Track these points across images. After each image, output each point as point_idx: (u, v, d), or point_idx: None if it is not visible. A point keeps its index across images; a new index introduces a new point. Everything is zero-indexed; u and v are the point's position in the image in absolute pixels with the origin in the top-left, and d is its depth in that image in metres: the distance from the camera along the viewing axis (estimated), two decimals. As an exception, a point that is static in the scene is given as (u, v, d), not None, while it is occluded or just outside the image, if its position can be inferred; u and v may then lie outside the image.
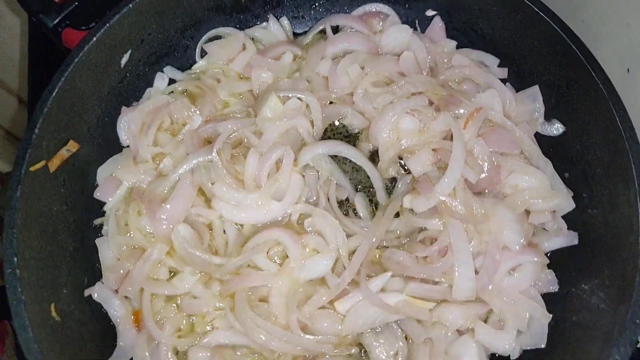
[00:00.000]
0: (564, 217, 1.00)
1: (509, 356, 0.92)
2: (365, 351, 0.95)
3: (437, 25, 1.15)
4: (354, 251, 0.98)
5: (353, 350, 0.94)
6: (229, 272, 0.97)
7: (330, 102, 1.12)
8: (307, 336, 0.92)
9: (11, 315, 1.13)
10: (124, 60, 1.06)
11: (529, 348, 0.92)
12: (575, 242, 0.97)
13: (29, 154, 0.89)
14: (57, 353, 0.82)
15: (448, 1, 1.13)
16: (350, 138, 1.13)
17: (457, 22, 1.14)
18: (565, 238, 0.98)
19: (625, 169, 0.86)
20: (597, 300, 0.87)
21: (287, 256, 0.97)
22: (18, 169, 0.88)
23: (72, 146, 0.99)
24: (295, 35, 1.23)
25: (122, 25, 1.01)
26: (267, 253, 0.99)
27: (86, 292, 0.96)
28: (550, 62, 1.02)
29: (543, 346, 0.91)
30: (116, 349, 0.94)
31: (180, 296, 0.99)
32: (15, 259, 0.82)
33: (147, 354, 0.94)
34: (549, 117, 1.05)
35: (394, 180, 1.05)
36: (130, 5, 1.01)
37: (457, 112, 1.02)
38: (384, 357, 0.94)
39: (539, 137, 1.06)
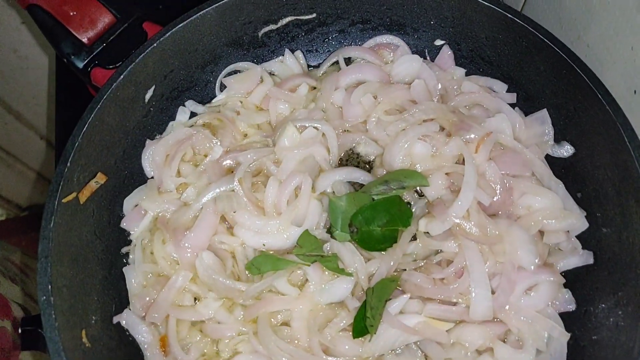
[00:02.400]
0: (578, 236, 1.02)
1: (529, 375, 0.93)
2: (386, 373, 0.96)
3: (446, 54, 1.20)
4: (373, 275, 1.00)
5: (374, 372, 0.96)
6: (251, 297, 1.00)
7: (345, 131, 1.16)
8: (330, 358, 0.93)
9: (34, 345, 1.17)
10: (148, 96, 1.12)
11: (549, 367, 0.93)
12: (591, 261, 0.98)
13: (61, 186, 0.94)
14: (89, 378, 0.85)
15: (455, 31, 1.17)
16: (365, 165, 1.17)
17: (465, 50, 1.19)
18: (580, 257, 0.99)
19: (636, 187, 0.88)
20: (616, 318, 0.88)
21: (308, 280, 1.00)
22: (51, 201, 0.93)
23: (100, 178, 1.04)
24: (310, 67, 1.29)
25: (146, 63, 1.07)
26: (288, 278, 1.02)
27: (115, 319, 0.99)
28: (557, 86, 1.05)
29: (563, 365, 0.92)
30: (144, 373, 0.97)
31: (205, 321, 1.01)
32: (50, 286, 0.86)
33: (173, 378, 0.97)
34: (558, 139, 1.08)
35: (408, 204, 1.07)
36: (154, 44, 1.07)
37: (468, 136, 1.06)
38: (404, 378, 0.95)
39: (550, 159, 1.08)
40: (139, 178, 1.14)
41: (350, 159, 1.17)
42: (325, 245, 1.03)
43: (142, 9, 1.14)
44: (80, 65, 1.10)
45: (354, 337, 0.93)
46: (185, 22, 1.09)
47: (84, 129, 0.99)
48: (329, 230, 1.05)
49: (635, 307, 0.83)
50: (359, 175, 1.10)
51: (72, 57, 1.09)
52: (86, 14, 1.10)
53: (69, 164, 0.95)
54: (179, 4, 1.21)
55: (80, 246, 0.97)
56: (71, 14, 1.09)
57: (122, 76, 1.04)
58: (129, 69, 1.05)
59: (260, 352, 0.96)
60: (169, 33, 1.08)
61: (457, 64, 1.20)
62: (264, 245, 1.04)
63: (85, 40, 1.10)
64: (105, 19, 1.11)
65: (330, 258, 1.00)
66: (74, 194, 0.97)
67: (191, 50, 1.14)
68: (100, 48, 1.10)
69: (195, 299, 1.04)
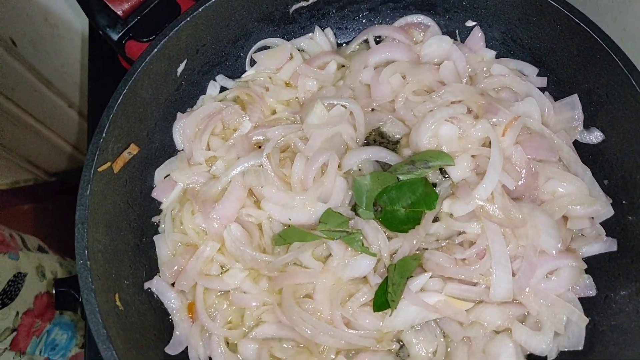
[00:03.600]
0: (603, 223, 1.02)
1: (546, 357, 0.95)
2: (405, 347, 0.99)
3: (477, 36, 1.19)
4: (395, 252, 1.02)
5: (394, 346, 0.99)
6: (276, 269, 1.03)
7: (373, 109, 1.17)
8: (351, 331, 0.97)
9: (68, 305, 1.22)
10: (180, 70, 1.14)
11: (566, 350, 0.95)
12: (614, 248, 0.99)
13: (97, 156, 0.97)
14: (122, 339, 0.89)
15: (488, 12, 1.16)
16: (390, 144, 1.18)
17: (497, 32, 1.18)
18: (604, 244, 1.00)
19: (665, 177, 0.88)
20: (636, 306, 0.89)
21: (331, 255, 1.03)
22: (88, 170, 0.96)
23: (133, 149, 1.07)
24: (339, 45, 1.29)
25: (179, 37, 1.09)
26: (312, 252, 1.04)
27: (145, 285, 1.04)
28: (589, 71, 1.04)
29: (580, 348, 0.93)
30: (173, 337, 1.02)
31: (231, 291, 1.05)
32: (86, 251, 0.90)
33: (200, 343, 1.01)
34: (588, 125, 1.08)
35: (434, 185, 1.09)
36: (188, 18, 1.08)
37: (495, 120, 1.06)
38: (423, 354, 0.98)
39: (578, 145, 1.08)
40: (170, 150, 1.17)
41: (376, 138, 1.18)
42: (349, 222, 1.05)
43: (177, -18, 1.15)
44: (115, 37, 1.12)
45: (375, 311, 0.96)
46: (218, -3, 1.10)
47: (119, 100, 1.01)
48: (354, 208, 1.07)
49: (657, 295, 0.84)
50: (386, 155, 1.11)
51: (107, 29, 1.11)
52: (121, -14, 1.11)
53: (104, 135, 0.98)
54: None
55: (114, 214, 1.01)
56: (107, -14, 1.11)
57: (155, 49, 1.06)
58: (162, 42, 1.06)
59: (283, 322, 0.99)
60: (202, 7, 1.09)
61: (487, 46, 1.19)
62: (289, 219, 1.06)
63: (120, 12, 1.12)
64: (140, -9, 1.12)
65: (354, 235, 1.02)
66: (108, 164, 1.00)
67: (223, 25, 1.15)
68: (134, 21, 1.12)
69: (222, 268, 1.08)
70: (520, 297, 0.96)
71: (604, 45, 0.98)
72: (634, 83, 0.93)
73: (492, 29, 1.18)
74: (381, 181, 1.05)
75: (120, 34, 1.12)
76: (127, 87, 1.03)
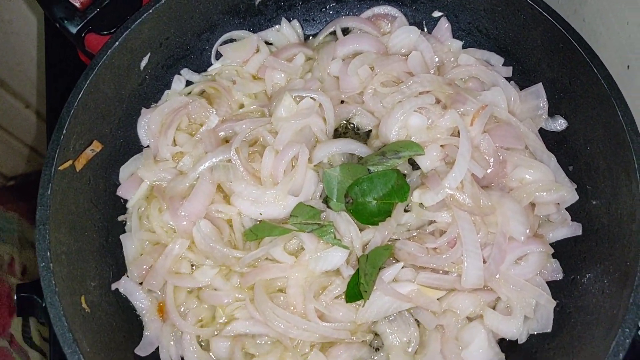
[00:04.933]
0: (568, 208, 1.05)
1: (517, 340, 0.96)
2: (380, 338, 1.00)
3: (444, 26, 1.20)
4: (367, 243, 1.02)
5: (368, 337, 0.99)
6: (248, 265, 1.02)
7: (342, 101, 1.16)
8: (325, 324, 0.96)
9: (30, 311, 1.18)
10: (143, 63, 1.11)
11: (535, 332, 0.96)
12: (579, 232, 1.01)
13: (58, 153, 0.94)
14: (90, 342, 0.86)
15: (454, 2, 1.17)
16: (360, 136, 1.17)
17: (463, 22, 1.19)
18: (569, 229, 1.02)
19: (628, 161, 0.90)
20: (601, 286, 0.91)
21: (303, 248, 1.02)
22: (48, 168, 0.92)
23: (96, 146, 1.04)
24: (307, 37, 1.28)
25: (142, 30, 1.06)
26: (284, 246, 1.03)
27: (113, 286, 1.01)
28: (553, 60, 1.06)
29: (549, 330, 0.95)
30: (143, 338, 0.99)
31: (202, 288, 1.03)
32: (49, 253, 0.87)
33: (172, 342, 0.99)
34: (552, 113, 1.10)
35: (404, 175, 1.09)
36: (150, 10, 1.05)
37: (463, 109, 1.06)
38: (397, 344, 0.98)
39: (543, 133, 1.10)
40: (135, 146, 1.13)
41: (346, 130, 1.18)
42: (321, 215, 1.05)
43: (137, -27, 1.11)
44: (74, 30, 1.08)
45: (347, 302, 0.95)
46: (181, -12, 1.07)
47: (80, 96, 0.98)
48: (325, 200, 1.07)
49: (621, 274, 0.86)
50: (356, 147, 1.11)
51: (65, 21, 1.07)
52: (79, -23, 1.07)
53: (64, 132, 0.95)
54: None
55: (77, 214, 0.98)
56: (63, -24, 1.07)
57: (117, 43, 1.03)
58: (124, 35, 1.03)
59: (256, 318, 0.98)
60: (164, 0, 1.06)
61: (454, 36, 1.20)
62: (260, 214, 1.05)
63: (78, 4, 1.08)
64: (99, -17, 1.08)
65: (326, 227, 1.01)
66: (70, 162, 0.97)
67: (187, 17, 1.13)
68: (94, 13, 1.08)
69: (192, 266, 1.06)
70: (491, 283, 0.98)
71: (566, 35, 1.00)
72: (596, 71, 0.96)
73: (458, 19, 1.19)
74: (352, 173, 1.05)
75: (79, 27, 1.08)
76: (88, 82, 0.99)
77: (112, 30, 1.07)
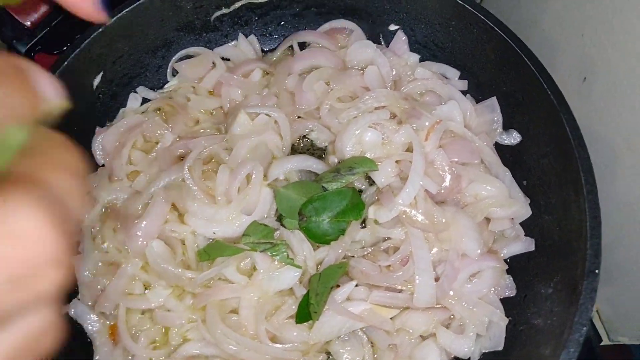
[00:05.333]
0: (522, 223, 1.04)
1: (469, 359, 0.96)
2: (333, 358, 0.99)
3: (400, 39, 1.19)
4: (321, 262, 1.01)
5: (321, 357, 0.98)
6: (200, 285, 1.01)
7: (299, 117, 1.16)
8: (276, 345, 0.95)
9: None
10: (96, 82, 1.10)
11: (487, 351, 0.96)
12: (532, 248, 1.00)
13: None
14: (33, 369, 0.85)
15: (409, 16, 1.16)
16: (317, 152, 1.17)
17: (419, 35, 1.18)
18: (523, 244, 1.02)
19: (575, 177, 0.90)
20: (551, 304, 0.91)
21: (256, 268, 1.01)
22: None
23: (47, 167, 1.03)
24: (264, 52, 1.27)
25: (92, 49, 1.05)
26: (237, 266, 1.02)
27: (63, 310, 0.99)
28: (506, 74, 1.06)
29: (501, 348, 0.95)
30: (92, 363, 0.98)
31: (155, 309, 1.02)
32: (-10, 279, 0.85)
33: (122, 367, 0.98)
34: (507, 126, 1.09)
35: (360, 192, 1.08)
36: (100, 29, 1.04)
37: (418, 124, 1.06)
38: (350, 363, 0.97)
39: (499, 147, 1.09)
40: (90, 166, 1.12)
41: (304, 146, 1.17)
42: (275, 233, 1.04)
43: (88, -9, 1.10)
44: (23, 50, 1.07)
45: (297, 322, 0.95)
46: (132, 7, 1.06)
47: (27, 117, 0.97)
48: (279, 219, 1.06)
49: (568, 293, 0.85)
50: (312, 164, 1.10)
51: (14, 41, 1.07)
52: (28, -4, 1.07)
53: (10, 154, 0.94)
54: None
55: (25, 236, 0.96)
56: (12, -4, 1.06)
57: (66, 62, 1.02)
58: (73, 54, 1.02)
59: (208, 339, 0.97)
60: (116, 17, 1.06)
61: (411, 50, 1.20)
62: (214, 233, 1.04)
63: (27, 23, 1.08)
64: (48, 1, 1.08)
65: (278, 246, 1.01)
66: (17, 184, 0.96)
67: (140, 35, 1.12)
68: (44, 32, 1.08)
69: (145, 287, 1.04)
70: (443, 301, 0.97)
71: (516, 49, 0.99)
72: (545, 86, 0.95)
73: (414, 32, 1.19)
74: (305, 191, 1.04)
75: (29, 46, 1.07)
76: (35, 103, 0.98)
77: (62, 49, 1.06)
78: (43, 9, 1.07)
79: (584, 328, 0.79)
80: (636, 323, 1.19)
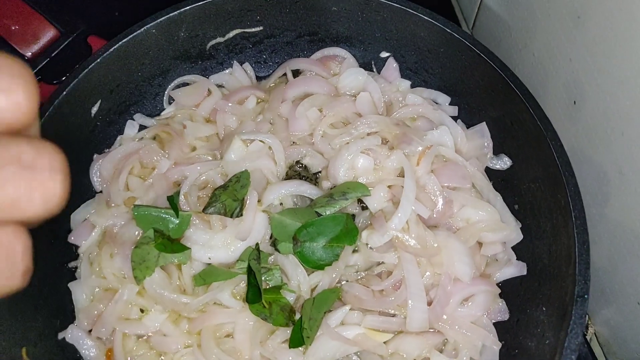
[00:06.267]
0: (515, 247, 1.05)
1: (462, 384, 0.96)
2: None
3: (392, 66, 1.22)
4: (315, 287, 1.02)
5: (315, 382, 0.98)
6: (196, 310, 1.02)
7: (293, 143, 1.17)
8: (269, 371, 0.96)
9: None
10: (94, 110, 1.12)
11: (480, 376, 0.96)
12: (524, 272, 1.01)
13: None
14: (28, 397, 0.86)
15: (400, 43, 1.19)
16: (311, 178, 1.18)
17: (410, 62, 1.21)
18: (515, 268, 1.02)
19: (564, 202, 0.91)
20: (543, 328, 0.91)
21: (251, 293, 1.02)
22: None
23: (45, 194, 1.05)
24: (259, 79, 1.30)
25: (90, 78, 1.08)
26: (232, 291, 1.03)
27: (60, 335, 1.00)
28: (495, 100, 1.07)
29: (494, 374, 0.95)
30: (88, 389, 0.98)
31: (151, 334, 1.03)
32: (-14, 306, 0.87)
33: (117, 393, 0.98)
34: (497, 151, 1.11)
35: (353, 216, 1.10)
36: (99, 59, 1.07)
37: (409, 149, 1.08)
38: (344, 388, 0.98)
39: (489, 171, 1.11)
40: (87, 193, 1.14)
41: (298, 171, 1.19)
42: (269, 258, 1.05)
43: (87, 23, 1.14)
44: (23, 80, 1.09)
45: (290, 347, 0.95)
46: (129, 37, 1.09)
47: (26, 146, 0.99)
48: (274, 244, 1.07)
49: (558, 317, 0.86)
50: (306, 189, 1.12)
51: (15, 72, 1.09)
52: (29, 28, 1.10)
53: (9, 183, 0.96)
54: (128, 17, 1.21)
55: (22, 264, 0.98)
56: (13, 28, 1.09)
57: (65, 92, 1.04)
58: (72, 84, 1.05)
59: (204, 364, 0.97)
60: (113, 48, 1.08)
61: (403, 76, 1.22)
62: (209, 258, 1.05)
63: (28, 54, 1.11)
64: (49, 33, 1.11)
65: (272, 271, 1.02)
66: (16, 212, 0.97)
67: (137, 64, 1.15)
68: (43, 63, 1.10)
69: (142, 311, 1.05)
70: (437, 325, 0.98)
71: (503, 76, 1.01)
72: (532, 111, 0.97)
73: (405, 59, 1.21)
74: (300, 216, 1.05)
75: (29, 77, 1.09)
76: (34, 132, 1.00)
77: (62, 80, 1.09)
78: (43, 40, 1.10)
79: (575, 354, 0.80)
80: (634, 345, 1.18)
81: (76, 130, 1.10)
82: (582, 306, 0.82)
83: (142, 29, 1.10)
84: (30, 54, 1.10)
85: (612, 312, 1.20)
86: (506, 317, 1.00)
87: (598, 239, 1.12)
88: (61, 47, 1.11)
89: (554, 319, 0.88)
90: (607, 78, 1.01)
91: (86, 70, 1.06)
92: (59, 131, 1.05)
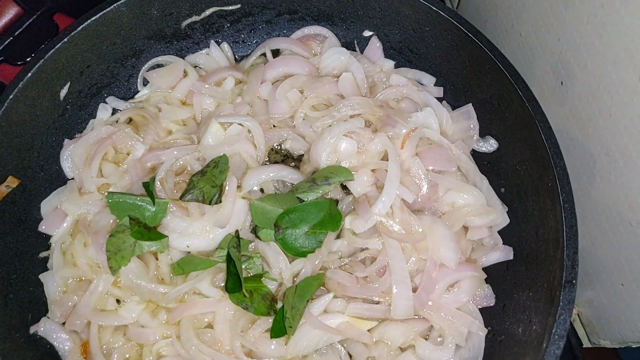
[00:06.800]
0: (501, 231, 1.03)
1: (448, 371, 0.94)
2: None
3: (375, 45, 1.17)
4: (297, 274, 0.99)
5: (298, 372, 0.96)
6: (174, 300, 0.98)
7: (273, 126, 1.13)
8: (252, 360, 0.93)
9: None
10: (63, 93, 1.06)
11: (466, 362, 0.95)
12: (511, 257, 0.99)
13: (-35, 194, 0.89)
14: (-2, 394, 0.82)
15: (383, 22, 1.14)
16: (292, 161, 1.15)
17: (394, 41, 1.17)
18: (501, 253, 1.01)
19: (551, 186, 0.89)
20: (530, 313, 0.90)
21: (231, 282, 0.98)
22: (-48, 211, 0.88)
23: (12, 182, 1.00)
24: (237, 59, 1.25)
25: (58, 59, 1.02)
26: (212, 280, 1.00)
27: (32, 329, 0.96)
28: (481, 81, 1.04)
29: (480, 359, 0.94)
30: (62, 384, 0.95)
31: (128, 326, 0.99)
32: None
33: (94, 386, 0.95)
34: (483, 133, 1.08)
35: (336, 202, 1.06)
36: (66, 39, 1.01)
37: (393, 132, 1.04)
38: (328, 378, 0.95)
39: (475, 154, 1.08)
40: (58, 180, 1.09)
41: (278, 155, 1.15)
42: (250, 245, 1.02)
43: (52, 0, 1.07)
44: (-15, 61, 1.03)
45: (272, 337, 0.92)
46: (98, 15, 1.03)
47: (-11, 131, 0.94)
48: (254, 230, 1.03)
49: (546, 303, 0.85)
50: (287, 174, 1.08)
51: (-24, 52, 1.03)
52: (-10, 5, 1.03)
53: (-28, 170, 0.91)
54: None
55: (-11, 255, 0.93)
56: (-27, 5, 1.02)
57: (30, 73, 0.99)
58: (37, 65, 0.99)
59: (183, 355, 0.94)
60: (81, 26, 1.03)
61: (386, 56, 1.18)
62: (187, 246, 1.01)
63: (-10, 34, 1.04)
64: (11, 11, 1.05)
65: (253, 258, 0.99)
66: (-20, 201, 0.93)
67: (108, 44, 1.09)
68: (6, 42, 1.04)
69: (118, 301, 1.02)
70: (422, 312, 0.96)
71: (491, 56, 0.98)
72: (520, 92, 0.94)
73: (389, 38, 1.17)
74: (281, 203, 1.02)
75: (-9, 57, 1.03)
76: (-2, 116, 0.95)
77: (26, 60, 1.03)
78: (5, 18, 1.04)
79: (563, 340, 0.78)
80: (618, 326, 1.18)
81: (44, 114, 1.04)
82: (570, 291, 0.80)
83: (112, 7, 1.04)
84: (-9, 33, 1.03)
85: (595, 294, 1.19)
86: (492, 302, 0.99)
87: (582, 220, 1.11)
88: (25, 25, 1.04)
89: (541, 304, 0.86)
90: (597, 58, 0.98)
91: (53, 51, 1.00)
92: (24, 115, 1.00)
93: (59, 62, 1.02)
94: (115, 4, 1.04)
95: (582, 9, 1.02)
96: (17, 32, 1.04)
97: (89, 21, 1.02)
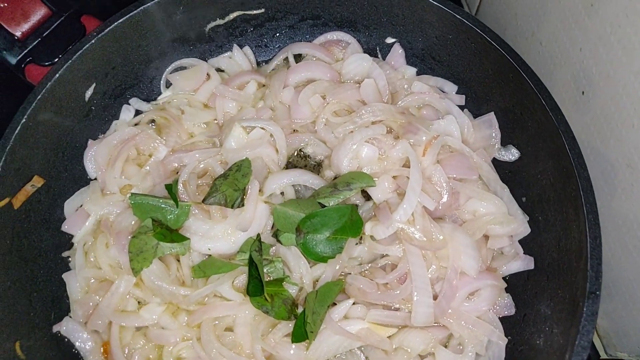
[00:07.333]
0: (522, 240, 1.03)
1: (468, 379, 0.94)
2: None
3: (397, 52, 1.18)
4: (318, 279, 1.00)
5: (318, 377, 0.96)
6: (195, 303, 0.99)
7: (294, 130, 1.14)
8: (272, 365, 0.94)
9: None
10: (88, 94, 1.07)
11: (486, 371, 0.95)
12: (532, 266, 0.99)
13: (-7, 192, 0.91)
14: (22, 392, 0.83)
15: (406, 29, 1.15)
16: (313, 166, 1.15)
17: (417, 48, 1.17)
18: (522, 262, 1.01)
19: (575, 195, 0.89)
20: (552, 324, 0.90)
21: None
22: (-19, 209, 0.89)
23: (37, 181, 1.01)
24: (260, 63, 1.25)
25: (85, 60, 1.03)
26: (233, 283, 1.00)
27: (54, 329, 0.97)
28: (504, 89, 1.05)
29: (500, 369, 0.94)
30: (84, 383, 0.96)
31: (149, 327, 1.00)
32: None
33: (114, 386, 0.95)
34: (505, 142, 1.08)
35: (356, 207, 1.06)
36: (93, 40, 1.02)
37: (415, 139, 1.05)
38: (347, 383, 0.96)
39: (497, 162, 1.09)
40: (81, 180, 1.10)
41: (299, 159, 1.15)
42: (271, 249, 1.02)
43: (80, 1, 1.09)
44: (13, 61, 1.05)
45: (293, 342, 0.93)
46: (125, 18, 1.04)
47: (17, 130, 0.95)
48: (275, 234, 1.04)
49: (568, 314, 0.85)
50: (308, 178, 1.08)
51: (4, 52, 1.04)
52: (18, 5, 1.04)
53: (-1, 170, 0.92)
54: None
55: (14, 254, 0.94)
56: (1, 5, 1.03)
57: (58, 74, 1.00)
58: (65, 66, 1.00)
59: (203, 358, 0.95)
60: (108, 29, 1.04)
61: (408, 63, 1.19)
62: (209, 249, 1.02)
63: (18, 34, 1.05)
64: (40, 12, 1.06)
65: (274, 262, 0.99)
66: (6, 199, 0.94)
67: (134, 46, 1.10)
68: (34, 43, 1.05)
69: (139, 303, 1.02)
70: (442, 319, 0.96)
71: (515, 65, 0.98)
72: (543, 102, 0.94)
73: (412, 45, 1.17)
74: (303, 208, 1.02)
75: (19, 57, 1.04)
76: (25, 116, 0.96)
77: (54, 61, 1.04)
78: (34, 18, 1.05)
79: (586, 351, 0.78)
80: (636, 338, 1.18)
81: (70, 115, 1.05)
82: (594, 303, 0.80)
83: (139, 9, 1.05)
84: (20, 33, 1.04)
85: (614, 305, 1.19)
86: (512, 312, 0.99)
87: (602, 231, 1.10)
88: (53, 26, 1.05)
89: (564, 315, 0.86)
90: (620, 68, 0.98)
91: (80, 52, 1.01)
92: (51, 116, 1.01)
93: (86, 64, 1.03)
94: (142, 7, 1.04)
95: (606, 18, 1.02)
96: (45, 34, 1.05)
97: (115, 23, 1.03)
